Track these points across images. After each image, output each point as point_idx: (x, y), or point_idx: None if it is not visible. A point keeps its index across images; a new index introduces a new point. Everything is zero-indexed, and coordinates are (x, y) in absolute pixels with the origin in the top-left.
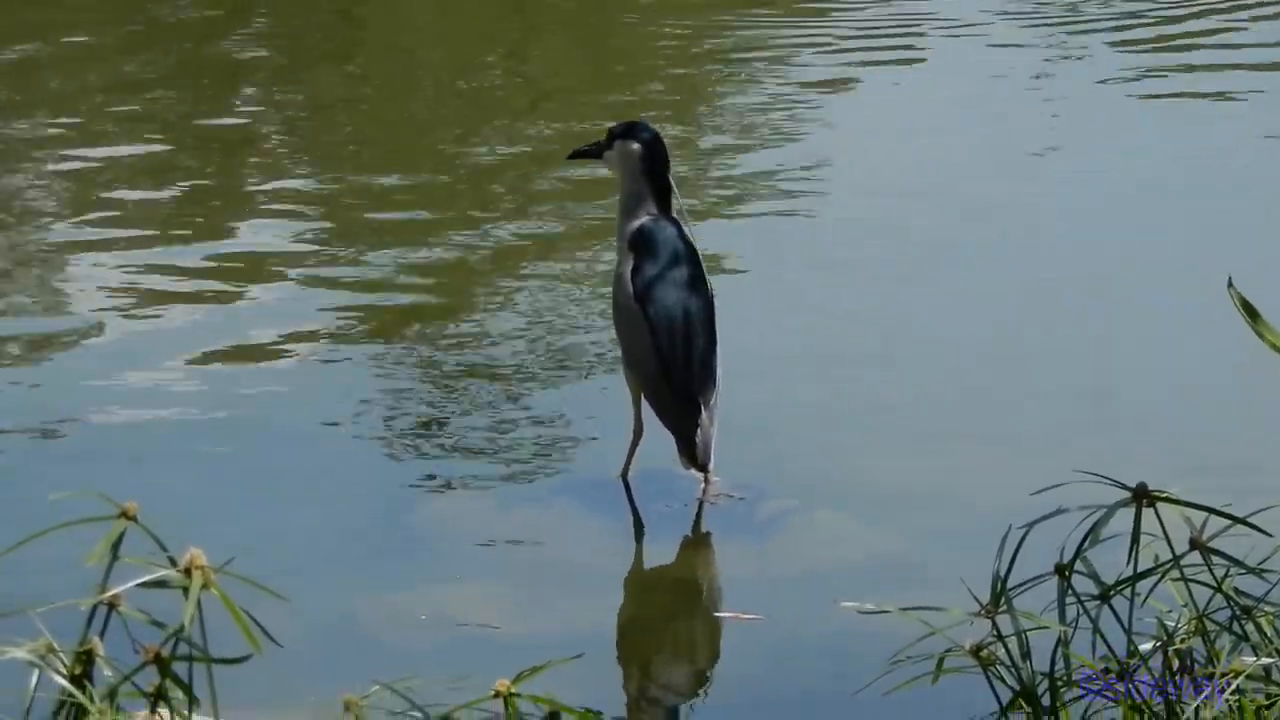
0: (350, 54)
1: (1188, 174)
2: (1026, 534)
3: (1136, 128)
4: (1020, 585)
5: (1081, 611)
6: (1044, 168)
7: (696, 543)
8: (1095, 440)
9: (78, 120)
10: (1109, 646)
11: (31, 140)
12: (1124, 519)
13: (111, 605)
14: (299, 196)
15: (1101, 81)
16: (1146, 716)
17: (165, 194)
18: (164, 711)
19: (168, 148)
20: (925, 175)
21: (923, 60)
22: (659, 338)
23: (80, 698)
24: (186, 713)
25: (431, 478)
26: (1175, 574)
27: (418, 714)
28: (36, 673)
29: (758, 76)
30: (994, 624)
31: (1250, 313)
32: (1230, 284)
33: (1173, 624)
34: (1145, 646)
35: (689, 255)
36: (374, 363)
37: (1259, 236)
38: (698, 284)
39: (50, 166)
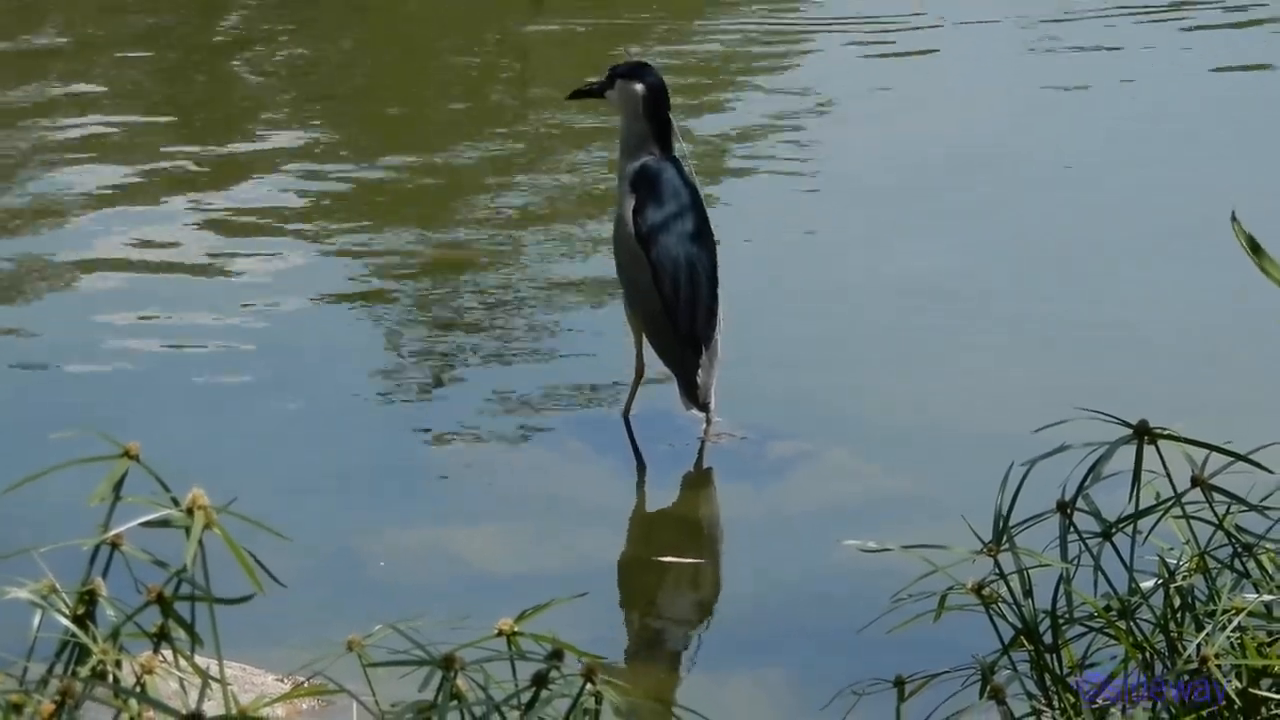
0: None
1: (1194, 117)
2: (1029, 471)
3: (1156, 80)
4: (1022, 523)
5: (1083, 549)
6: (1053, 114)
7: (699, 481)
8: (1098, 378)
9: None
10: (1110, 584)
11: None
12: (1126, 456)
13: (114, 545)
14: (302, 151)
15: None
16: (1148, 654)
17: (171, 147)
18: (167, 651)
19: (172, 107)
20: (940, 123)
21: (932, 24)
22: (661, 277)
23: (83, 638)
24: (189, 652)
25: (434, 419)
26: (1177, 511)
27: (421, 653)
28: (39, 613)
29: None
30: (996, 562)
31: (1254, 248)
32: (1234, 218)
33: (1174, 562)
34: (1147, 584)
35: (691, 195)
36: (378, 308)
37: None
38: (699, 224)
39: (59, 123)
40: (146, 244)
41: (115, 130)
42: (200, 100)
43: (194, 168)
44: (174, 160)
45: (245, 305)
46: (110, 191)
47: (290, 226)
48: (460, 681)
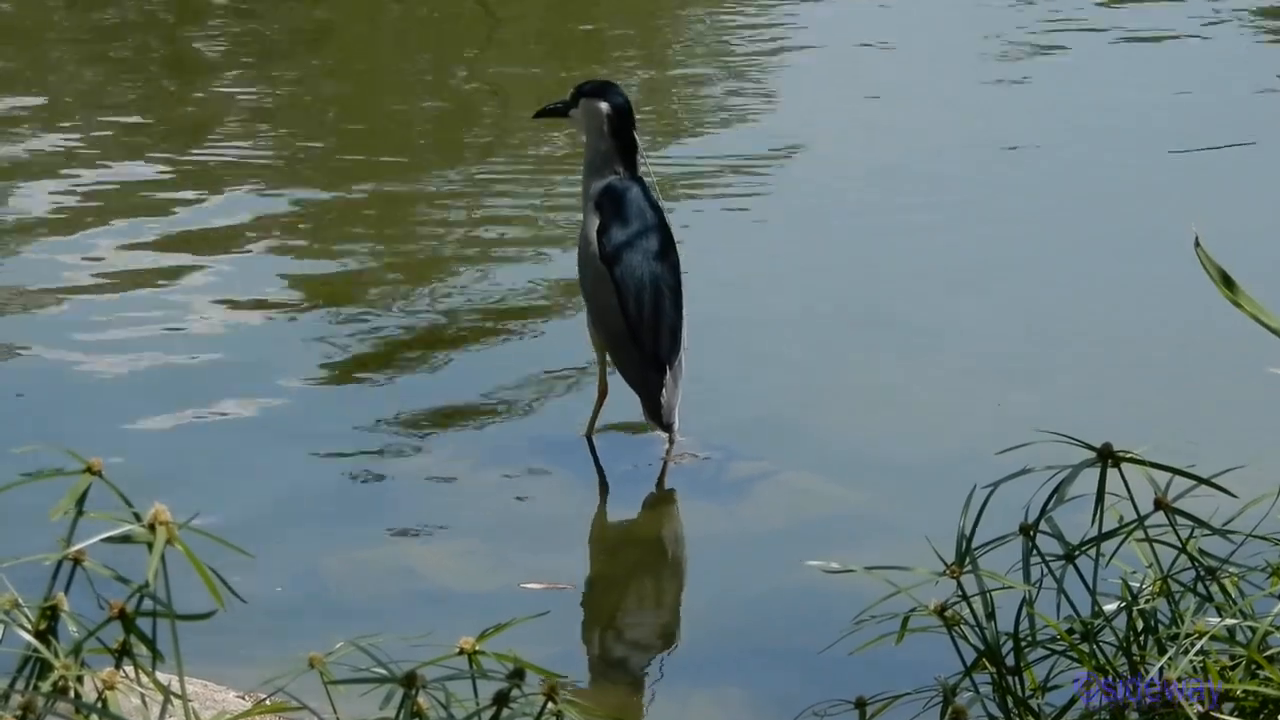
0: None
1: (1152, 126)
2: (991, 494)
3: (1102, 74)
4: (985, 545)
5: (1046, 572)
6: (1007, 129)
7: (661, 501)
8: (1062, 400)
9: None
10: (1073, 607)
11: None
12: (1089, 479)
13: (76, 561)
14: (262, 160)
15: (1056, 26)
16: (1111, 677)
17: (130, 162)
18: (129, 667)
19: (133, 120)
20: (898, 131)
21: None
22: (625, 297)
23: (45, 653)
24: (151, 668)
25: (395, 437)
26: (1140, 535)
27: (383, 671)
28: (1, 628)
29: (718, 29)
30: (959, 584)
31: (1226, 282)
32: (1197, 243)
33: (1137, 585)
34: (1110, 607)
35: (656, 215)
36: (338, 324)
37: (1230, 190)
38: (664, 243)
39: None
40: (100, 262)
41: (74, 147)
42: (163, 113)
43: (151, 185)
44: (129, 176)
45: (201, 323)
46: (65, 209)
47: (246, 244)
48: (421, 699)
